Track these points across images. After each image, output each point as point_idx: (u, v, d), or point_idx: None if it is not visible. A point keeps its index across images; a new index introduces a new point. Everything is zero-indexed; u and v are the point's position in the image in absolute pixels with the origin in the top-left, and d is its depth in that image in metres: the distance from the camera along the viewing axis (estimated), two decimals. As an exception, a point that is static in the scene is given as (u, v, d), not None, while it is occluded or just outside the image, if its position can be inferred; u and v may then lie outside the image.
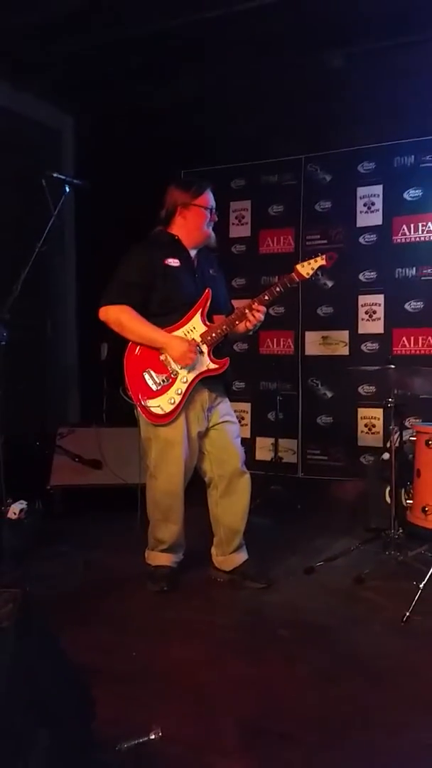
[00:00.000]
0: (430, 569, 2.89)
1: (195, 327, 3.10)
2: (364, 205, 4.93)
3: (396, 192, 4.80)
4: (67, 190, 3.03)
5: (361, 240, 4.93)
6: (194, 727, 2.03)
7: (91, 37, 4.29)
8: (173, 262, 3.11)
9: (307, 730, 2.04)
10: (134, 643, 2.60)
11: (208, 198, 3.18)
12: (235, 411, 3.44)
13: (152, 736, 1.84)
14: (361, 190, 4.93)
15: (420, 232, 4.71)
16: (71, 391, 5.75)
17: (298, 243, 5.17)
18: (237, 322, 3.11)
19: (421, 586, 2.84)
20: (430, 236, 4.68)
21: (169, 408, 3.04)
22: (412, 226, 4.74)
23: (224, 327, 3.10)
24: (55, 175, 2.99)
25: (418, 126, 4.65)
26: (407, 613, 2.76)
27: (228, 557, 3.27)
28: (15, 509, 3.65)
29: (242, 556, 3.28)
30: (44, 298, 5.27)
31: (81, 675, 1.69)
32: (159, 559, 3.22)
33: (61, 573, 3.35)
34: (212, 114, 5.00)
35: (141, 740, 1.81)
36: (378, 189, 4.88)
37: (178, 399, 3.05)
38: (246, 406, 5.34)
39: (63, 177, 3.03)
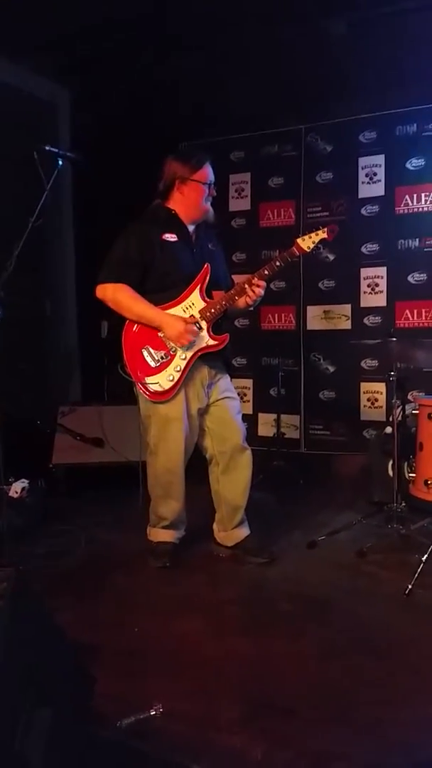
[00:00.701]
0: (432, 542, 2.89)
1: (194, 303, 3.06)
2: (366, 175, 4.84)
3: (398, 162, 4.71)
4: (60, 163, 2.96)
5: (362, 211, 4.85)
6: (196, 703, 2.03)
7: (88, 11, 4.19)
8: (171, 237, 3.06)
9: (309, 704, 2.04)
10: (136, 618, 2.61)
11: (207, 172, 3.10)
12: (237, 387, 3.42)
13: (153, 712, 1.85)
14: (363, 161, 4.84)
15: (423, 203, 4.63)
16: (72, 370, 5.73)
17: (299, 215, 5.09)
18: (236, 298, 3.06)
19: (424, 559, 2.84)
20: (433, 206, 4.61)
21: (168, 385, 3.02)
22: (414, 196, 4.66)
23: (223, 303, 3.05)
24: (47, 148, 2.92)
25: (420, 94, 4.54)
26: (410, 586, 2.76)
27: (230, 533, 3.27)
28: (17, 488, 3.66)
29: (244, 532, 3.28)
30: (43, 276, 5.23)
31: (80, 653, 1.69)
32: (161, 535, 3.23)
33: (63, 551, 3.36)
34: (210, 85, 4.87)
35: (142, 716, 1.82)
36: (380, 159, 4.79)
37: (177, 376, 3.02)
38: (248, 382, 5.31)
39: (56, 150, 2.96)
